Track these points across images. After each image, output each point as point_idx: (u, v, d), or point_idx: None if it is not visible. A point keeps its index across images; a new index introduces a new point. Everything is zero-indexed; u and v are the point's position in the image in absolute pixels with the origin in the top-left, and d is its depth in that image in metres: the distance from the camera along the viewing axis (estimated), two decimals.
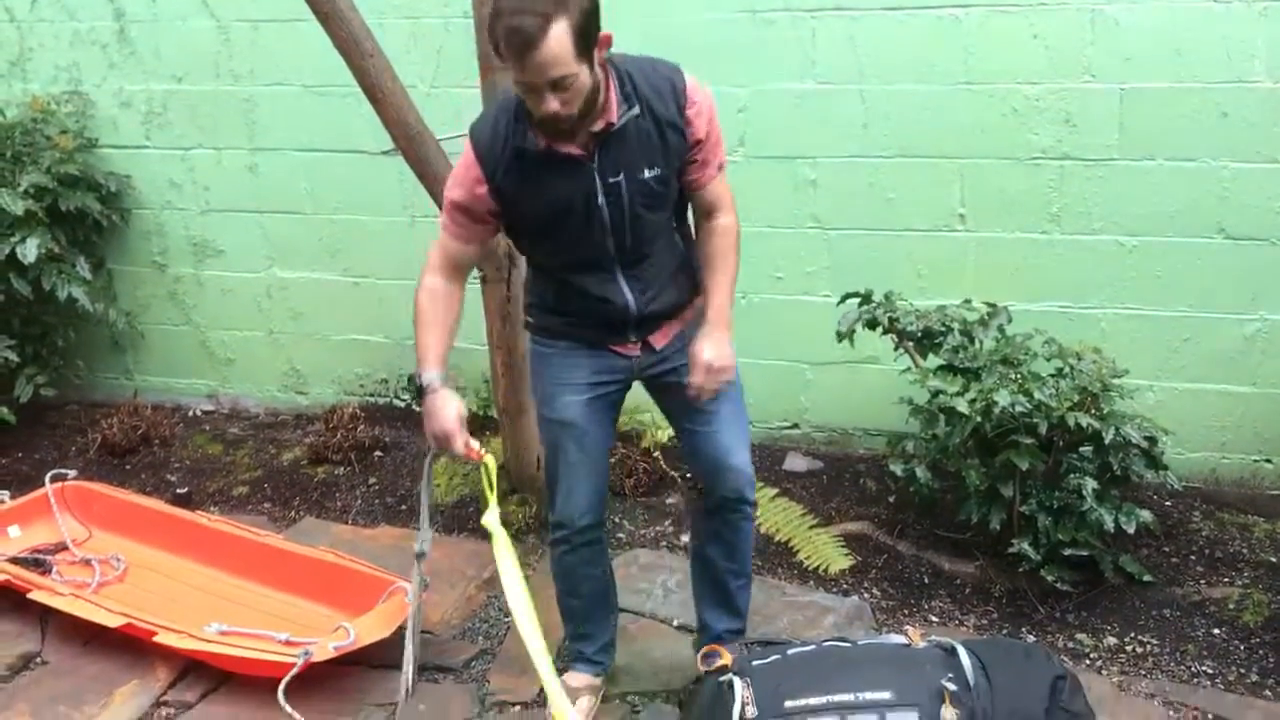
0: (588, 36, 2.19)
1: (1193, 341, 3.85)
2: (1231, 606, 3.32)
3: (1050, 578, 3.28)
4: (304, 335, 4.89)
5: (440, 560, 3.71)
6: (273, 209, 4.74)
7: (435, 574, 3.40)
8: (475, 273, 3.67)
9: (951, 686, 2.38)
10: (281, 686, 2.92)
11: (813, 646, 2.62)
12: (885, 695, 2.36)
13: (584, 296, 2.57)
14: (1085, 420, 3.17)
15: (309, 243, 4.74)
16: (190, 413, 5.09)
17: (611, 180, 2.41)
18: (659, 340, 2.67)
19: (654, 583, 3.58)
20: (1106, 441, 3.21)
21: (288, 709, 2.90)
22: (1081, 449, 3.32)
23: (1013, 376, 3.30)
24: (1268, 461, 3.88)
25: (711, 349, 2.47)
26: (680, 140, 2.43)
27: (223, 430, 4.89)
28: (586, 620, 2.98)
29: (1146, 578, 3.40)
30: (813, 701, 2.37)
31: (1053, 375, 3.34)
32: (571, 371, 2.67)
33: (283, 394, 5.03)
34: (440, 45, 4.26)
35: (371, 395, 4.88)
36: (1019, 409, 3.19)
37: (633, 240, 2.50)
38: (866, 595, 3.48)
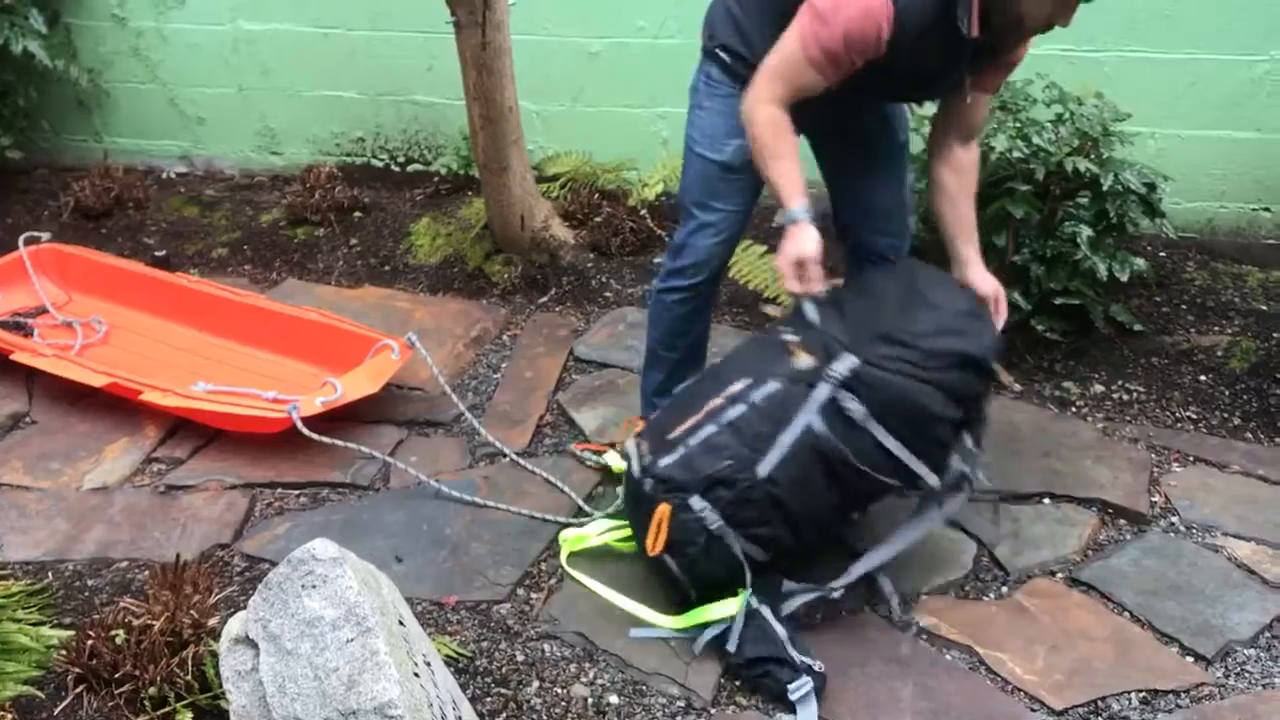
0: None
1: (1198, 85, 3.71)
2: (1220, 354, 3.32)
3: (1040, 327, 3.26)
4: (275, 91, 4.69)
5: (427, 320, 3.69)
6: None
7: (422, 332, 3.37)
8: (447, 17, 3.49)
9: (791, 336, 2.38)
10: (298, 421, 2.93)
11: (692, 380, 2.63)
12: (744, 382, 2.36)
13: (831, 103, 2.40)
14: (1084, 165, 3.08)
15: None
16: (164, 174, 4.94)
17: (976, 62, 2.36)
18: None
19: (641, 339, 3.55)
20: (1104, 188, 3.12)
21: (309, 434, 2.92)
22: (1078, 197, 3.24)
23: (1011, 122, 3.18)
24: (1266, 210, 3.81)
25: (997, 287, 2.54)
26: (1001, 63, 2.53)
27: (198, 192, 4.76)
28: (674, 374, 2.83)
29: (1137, 326, 3.39)
30: (689, 423, 2.37)
31: (1052, 121, 3.22)
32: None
33: (257, 154, 4.87)
34: None
35: (348, 155, 4.73)
36: (1016, 155, 3.09)
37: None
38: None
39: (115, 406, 3.22)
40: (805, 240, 2.31)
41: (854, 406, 2.26)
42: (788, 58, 2.27)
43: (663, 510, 2.33)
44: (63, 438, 3.17)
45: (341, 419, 3.09)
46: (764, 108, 2.32)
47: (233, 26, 4.59)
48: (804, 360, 2.32)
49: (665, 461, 2.34)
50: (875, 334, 2.30)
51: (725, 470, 2.29)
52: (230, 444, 3.10)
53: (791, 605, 2.40)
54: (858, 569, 2.42)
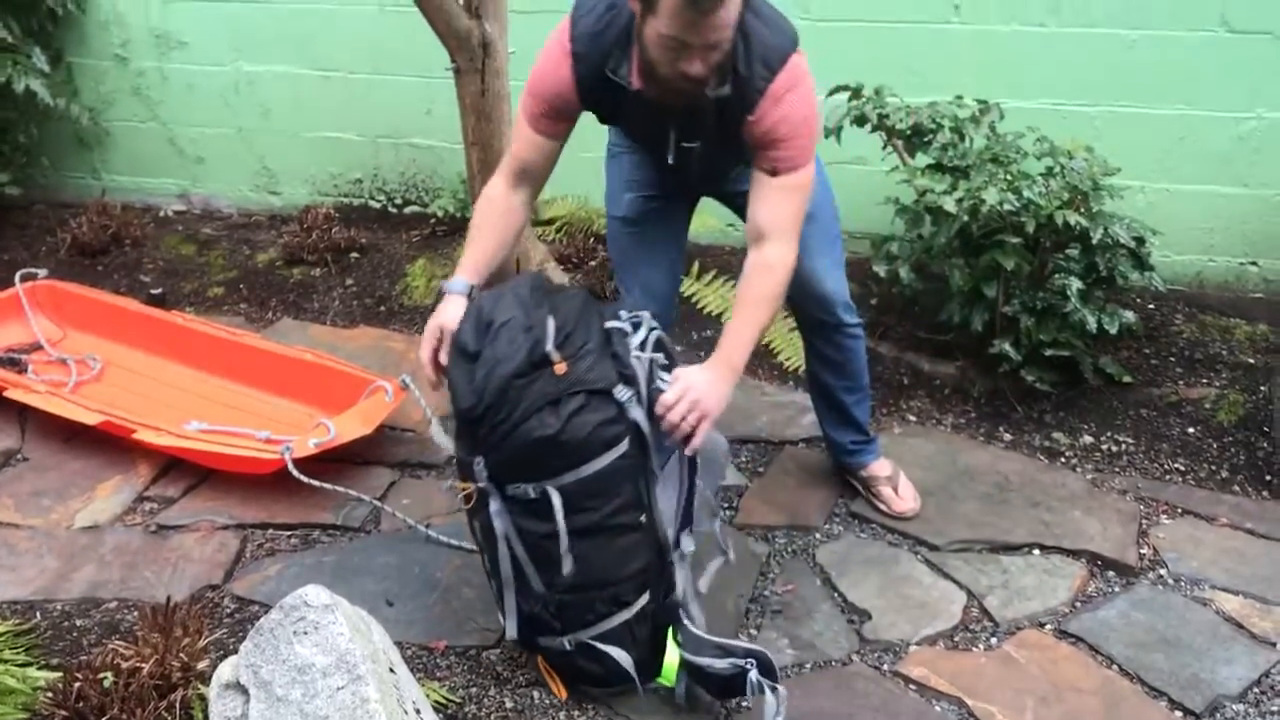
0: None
1: (1187, 141, 3.76)
2: (1208, 406, 3.35)
3: (1030, 378, 3.29)
4: (274, 132, 4.74)
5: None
6: None
7: (416, 373, 3.38)
8: (447, 63, 3.53)
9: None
10: (290, 464, 2.92)
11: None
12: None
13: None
14: (1074, 219, 3.12)
15: (275, 34, 4.54)
16: (161, 212, 4.97)
17: (686, 145, 2.34)
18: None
19: None
20: (1094, 241, 3.16)
21: (301, 477, 2.91)
22: (1068, 249, 3.28)
23: (1002, 175, 3.22)
24: (1253, 264, 3.86)
25: (696, 383, 2.20)
26: (747, 128, 2.24)
27: (195, 230, 4.79)
28: None
29: (1126, 378, 3.42)
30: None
31: (1043, 174, 3.26)
32: (636, 171, 2.63)
33: (255, 194, 4.91)
34: None
35: (346, 196, 4.77)
36: (1007, 208, 3.13)
37: (701, 174, 2.50)
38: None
39: (108, 444, 3.23)
40: (446, 312, 2.28)
41: (515, 489, 2.18)
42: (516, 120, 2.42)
43: (539, 661, 2.41)
44: (55, 475, 3.17)
45: (334, 459, 3.10)
46: (488, 187, 2.45)
47: (233, 68, 4.65)
48: (468, 489, 2.27)
49: (510, 632, 2.34)
50: (468, 421, 2.18)
51: (538, 608, 2.28)
52: (222, 483, 3.10)
53: (705, 582, 2.45)
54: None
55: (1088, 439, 3.27)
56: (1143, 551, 2.83)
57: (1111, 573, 2.77)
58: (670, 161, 2.37)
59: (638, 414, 2.15)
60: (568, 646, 2.29)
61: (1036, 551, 2.83)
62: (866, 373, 2.88)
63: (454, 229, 4.51)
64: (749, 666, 2.20)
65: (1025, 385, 3.31)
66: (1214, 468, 3.15)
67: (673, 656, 2.32)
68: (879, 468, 2.95)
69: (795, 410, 3.41)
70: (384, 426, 3.25)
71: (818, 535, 2.90)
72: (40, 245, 4.64)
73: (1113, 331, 3.23)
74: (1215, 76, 3.66)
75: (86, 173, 5.03)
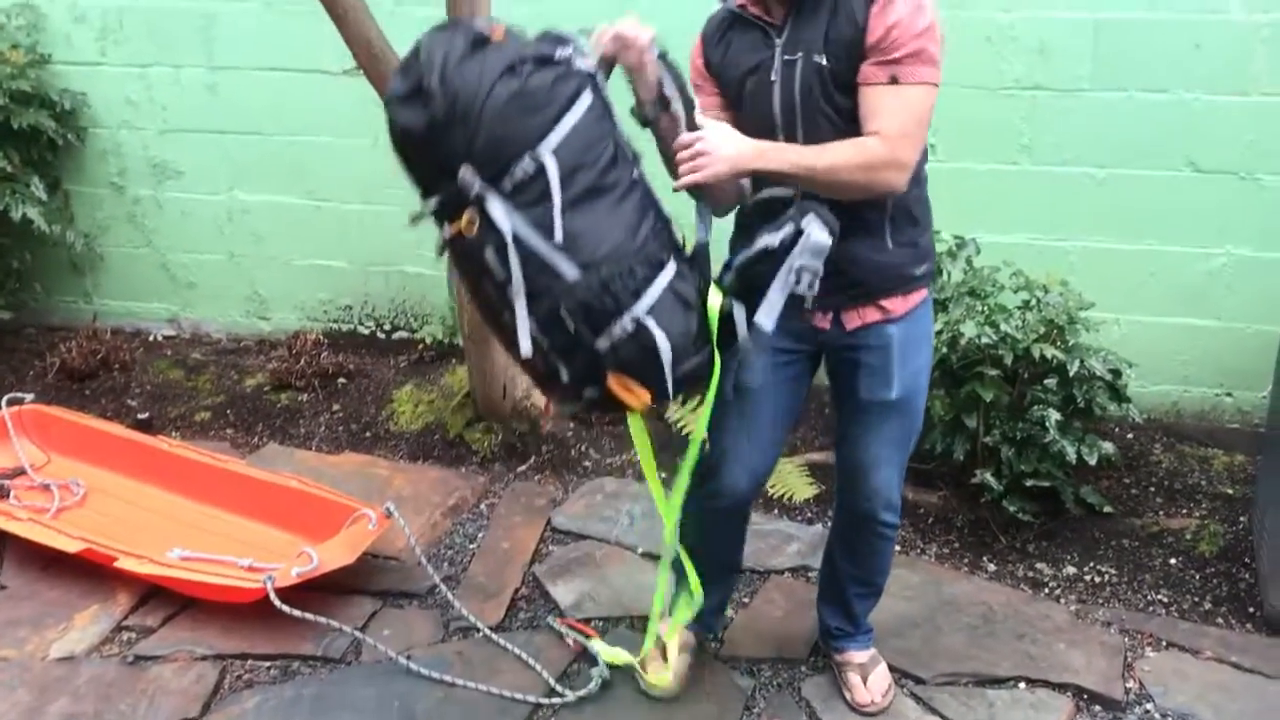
0: None
1: (1159, 275, 3.86)
2: (1188, 537, 3.37)
3: (1012, 508, 3.31)
4: (266, 259, 4.81)
5: (405, 487, 3.70)
6: (233, 129, 4.64)
7: (400, 500, 3.39)
8: None
9: None
10: (272, 594, 2.89)
11: None
12: None
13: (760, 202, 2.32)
14: (1050, 352, 3.18)
15: (271, 164, 4.65)
16: (151, 337, 5.01)
17: (788, 58, 2.21)
18: (851, 320, 2.35)
19: (619, 510, 3.58)
20: (1071, 374, 3.22)
21: (283, 607, 2.87)
22: (1046, 381, 3.33)
23: (980, 308, 3.30)
24: (1228, 395, 3.92)
25: (717, 135, 2.16)
26: (856, 34, 2.13)
27: (184, 355, 4.83)
28: (704, 576, 2.61)
29: (1107, 509, 3.45)
30: None
31: (1019, 307, 3.34)
32: None
33: (245, 319, 4.96)
34: None
35: (335, 321, 4.83)
36: (985, 340, 3.19)
37: (804, 140, 2.22)
38: (830, 524, 3.50)
39: (88, 571, 3.20)
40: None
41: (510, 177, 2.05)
42: None
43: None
44: (31, 604, 3.14)
45: (316, 587, 3.07)
46: None
47: (228, 196, 4.74)
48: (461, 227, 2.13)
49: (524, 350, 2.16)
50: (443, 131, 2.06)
51: (590, 296, 2.10)
52: (203, 612, 3.07)
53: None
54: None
55: (1071, 569, 3.27)
56: (1129, 685, 2.81)
57: (1098, 707, 2.75)
58: (774, 78, 2.22)
59: (582, 64, 2.09)
60: (629, 328, 2.08)
61: (1023, 685, 2.81)
62: (887, 574, 2.72)
63: (441, 354, 4.56)
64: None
65: (1008, 515, 3.33)
66: (1197, 599, 3.15)
67: (714, 301, 2.21)
68: (856, 655, 2.77)
69: (780, 539, 3.41)
70: (367, 554, 3.23)
71: (804, 668, 2.88)
72: (29, 369, 4.66)
73: (1092, 462, 3.26)
74: (1184, 214, 3.78)
75: (79, 297, 5.09)
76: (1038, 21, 3.72)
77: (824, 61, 2.17)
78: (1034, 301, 3.34)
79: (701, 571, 2.58)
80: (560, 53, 2.06)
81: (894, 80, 2.13)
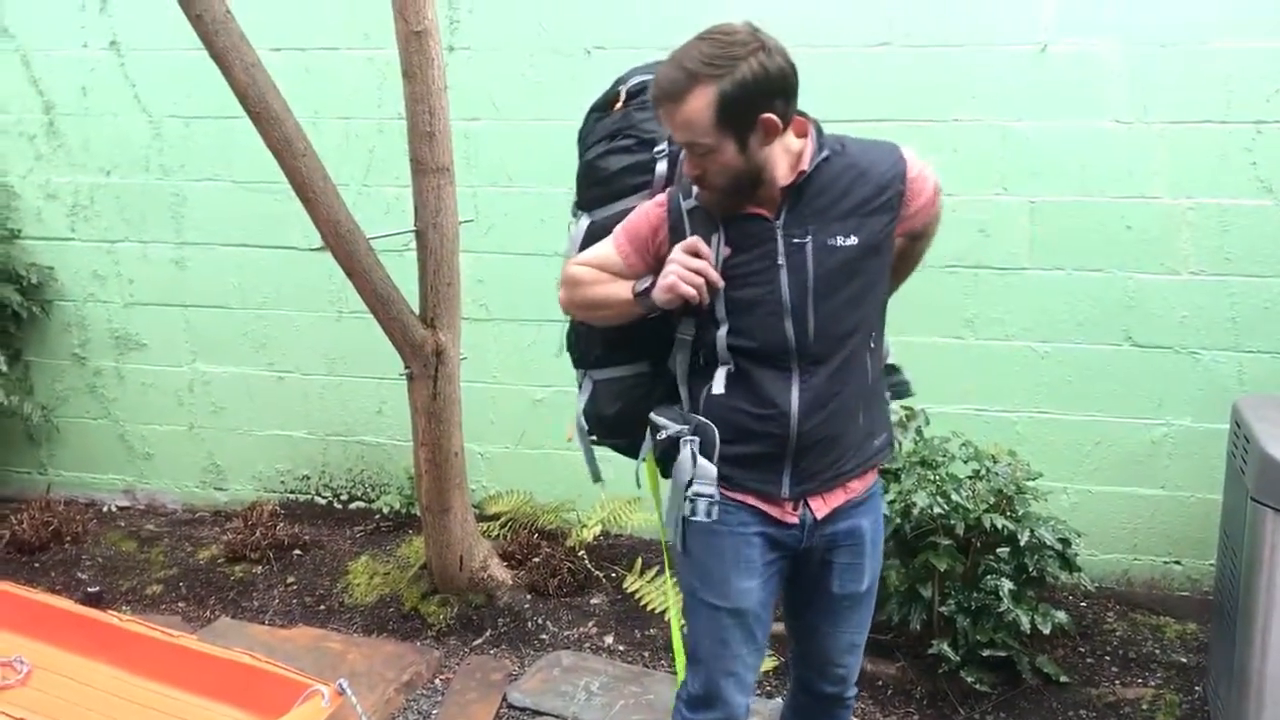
0: (738, 113, 1.98)
1: (1103, 445, 3.96)
2: (1145, 707, 3.37)
3: (970, 679, 3.31)
4: (226, 430, 4.83)
5: (359, 662, 3.65)
6: (198, 303, 4.72)
7: (354, 675, 3.34)
8: (401, 369, 3.69)
9: None
10: None
11: None
12: None
13: (749, 395, 2.18)
14: (1001, 522, 3.24)
15: (234, 337, 4.71)
16: (105, 508, 4.97)
17: (796, 241, 2.11)
18: (820, 507, 2.24)
19: (576, 685, 3.54)
20: (1022, 543, 3.27)
21: None
22: (998, 550, 3.38)
23: (931, 478, 3.36)
24: (1177, 563, 3.98)
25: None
26: (895, 201, 2.16)
27: (138, 527, 4.78)
28: None
29: (1063, 678, 3.45)
30: None
31: (970, 477, 3.41)
32: (746, 549, 2.26)
33: (201, 490, 4.94)
34: (373, 145, 4.31)
35: (292, 492, 4.82)
36: (937, 510, 3.25)
37: (816, 326, 2.13)
38: (786, 698, 3.47)
39: None
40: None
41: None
42: None
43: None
44: None
45: None
46: (571, 264, 2.42)
47: (190, 368, 4.79)
48: None
49: None
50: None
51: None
52: None
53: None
54: None
55: None
56: None
57: None
58: (781, 263, 2.11)
59: (661, 168, 2.27)
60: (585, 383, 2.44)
61: None
62: None
63: (398, 525, 4.55)
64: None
65: (966, 685, 3.33)
66: None
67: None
68: None
69: None
70: None
71: None
72: None
73: (1046, 631, 3.28)
74: (1125, 386, 3.91)
75: (33, 468, 5.05)
76: (978, 204, 3.90)
77: (841, 240, 2.12)
78: (984, 471, 3.42)
79: None
80: (660, 149, 2.28)
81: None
